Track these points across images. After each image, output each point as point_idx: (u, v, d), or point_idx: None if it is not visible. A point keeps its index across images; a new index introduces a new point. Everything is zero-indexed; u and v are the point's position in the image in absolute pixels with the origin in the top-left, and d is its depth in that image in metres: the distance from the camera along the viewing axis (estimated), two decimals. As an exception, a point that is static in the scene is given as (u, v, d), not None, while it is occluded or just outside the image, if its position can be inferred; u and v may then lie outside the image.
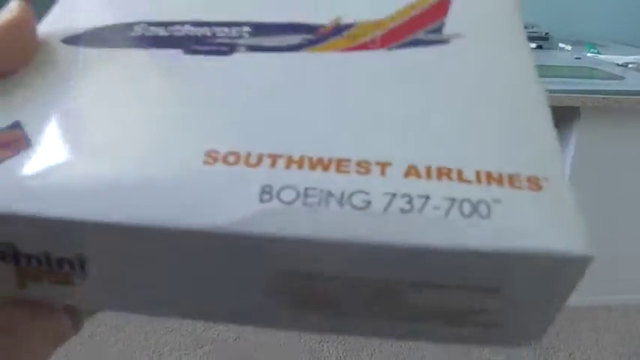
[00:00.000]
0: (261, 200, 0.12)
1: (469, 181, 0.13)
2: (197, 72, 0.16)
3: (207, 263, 0.13)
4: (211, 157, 0.13)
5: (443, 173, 0.13)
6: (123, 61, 0.16)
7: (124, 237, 0.13)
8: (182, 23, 0.17)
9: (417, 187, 0.12)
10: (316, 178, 0.13)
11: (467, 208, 0.12)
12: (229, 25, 0.17)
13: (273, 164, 0.13)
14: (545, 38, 1.30)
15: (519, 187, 0.13)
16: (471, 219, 0.12)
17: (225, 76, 0.16)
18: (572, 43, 1.28)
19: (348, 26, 0.17)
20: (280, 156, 0.13)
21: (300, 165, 0.13)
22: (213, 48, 0.16)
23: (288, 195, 0.12)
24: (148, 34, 0.17)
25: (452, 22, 0.17)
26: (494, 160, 0.13)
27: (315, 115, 0.15)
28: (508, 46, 0.17)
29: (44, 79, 0.16)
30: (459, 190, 0.12)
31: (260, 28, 0.17)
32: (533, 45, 1.25)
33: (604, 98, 0.91)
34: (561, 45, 1.28)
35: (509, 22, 0.18)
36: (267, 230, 0.12)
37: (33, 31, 0.16)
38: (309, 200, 0.12)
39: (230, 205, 0.12)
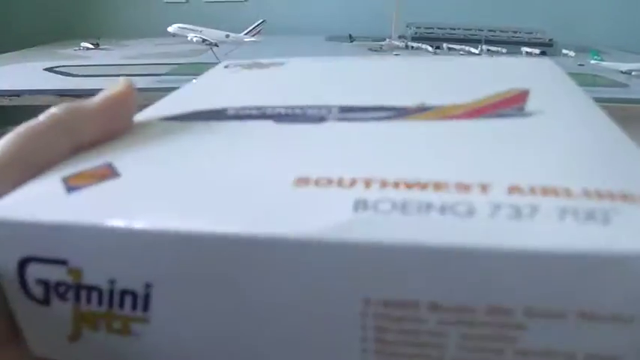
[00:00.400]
0: (356, 210, 0.11)
1: (578, 196, 0.11)
2: (288, 132, 0.16)
3: (294, 294, 0.11)
4: (302, 181, 0.13)
5: (549, 190, 0.12)
6: (216, 127, 0.17)
7: (205, 253, 0.12)
8: (273, 107, 0.19)
9: (522, 199, 0.11)
10: (414, 194, 0.12)
11: (582, 215, 0.11)
12: (319, 107, 0.18)
13: (367, 185, 0.12)
14: (549, 44, 1.30)
15: (635, 202, 0.11)
16: (588, 224, 0.10)
17: (316, 133, 0.16)
18: (576, 50, 1.27)
19: (432, 107, 0.18)
20: (374, 179, 0.12)
21: (396, 186, 0.12)
22: (304, 117, 0.17)
23: (384, 206, 0.11)
24: (241, 112, 0.18)
25: (530, 106, 0.17)
26: (600, 179, 0.12)
27: (407, 152, 0.14)
28: (588, 112, 0.18)
29: (139, 139, 0.17)
30: (569, 202, 0.11)
31: (348, 108, 0.18)
32: (537, 51, 1.24)
33: (607, 106, 0.90)
34: (565, 51, 1.28)
35: (582, 99, 0.19)
36: (363, 237, 0.11)
37: (134, 105, 0.18)
38: (408, 210, 0.11)
39: (322, 216, 0.11)
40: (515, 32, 1.33)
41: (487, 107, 0.17)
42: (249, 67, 0.26)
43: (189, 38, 1.28)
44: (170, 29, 1.30)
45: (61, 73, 1.08)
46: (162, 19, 1.43)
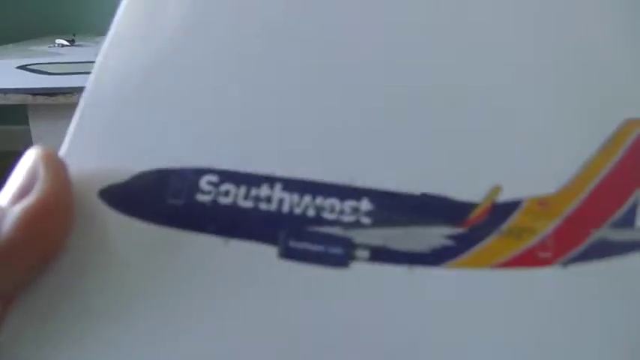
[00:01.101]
0: None
1: None
2: (297, 296, 0.11)
3: None
4: None
5: None
6: (193, 260, 0.11)
7: None
8: (271, 180, 0.12)
9: None
10: None
11: None
12: (340, 194, 0.12)
13: None
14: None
15: None
16: None
17: (335, 295, 0.11)
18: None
19: (509, 209, 0.11)
20: None
21: None
22: (321, 250, 0.11)
23: None
24: (222, 200, 0.12)
25: None
26: None
27: None
28: None
29: (86, 297, 0.11)
30: None
31: (385, 206, 0.12)
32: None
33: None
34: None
35: None
36: None
37: (70, 206, 0.11)
38: None
39: None
40: None
41: (584, 211, 0.11)
42: None
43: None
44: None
45: (35, 71, 1.05)
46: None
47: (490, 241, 0.11)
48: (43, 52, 1.28)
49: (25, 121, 0.95)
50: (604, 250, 0.11)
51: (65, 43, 1.38)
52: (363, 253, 0.11)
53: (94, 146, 0.13)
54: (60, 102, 0.86)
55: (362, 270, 0.11)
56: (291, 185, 0.12)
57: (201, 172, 0.12)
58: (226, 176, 0.12)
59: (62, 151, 0.13)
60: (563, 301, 0.10)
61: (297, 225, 0.12)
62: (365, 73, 0.12)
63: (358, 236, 0.11)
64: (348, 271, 0.11)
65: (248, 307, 0.11)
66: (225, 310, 0.11)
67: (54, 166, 0.11)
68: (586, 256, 0.11)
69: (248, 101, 0.13)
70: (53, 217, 0.11)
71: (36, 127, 0.91)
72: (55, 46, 1.37)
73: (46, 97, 0.87)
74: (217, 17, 0.13)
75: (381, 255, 0.11)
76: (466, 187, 0.12)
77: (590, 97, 0.12)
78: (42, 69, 1.07)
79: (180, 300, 0.11)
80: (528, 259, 0.11)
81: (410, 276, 0.11)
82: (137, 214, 0.12)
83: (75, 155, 0.12)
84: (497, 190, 0.11)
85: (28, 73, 1.04)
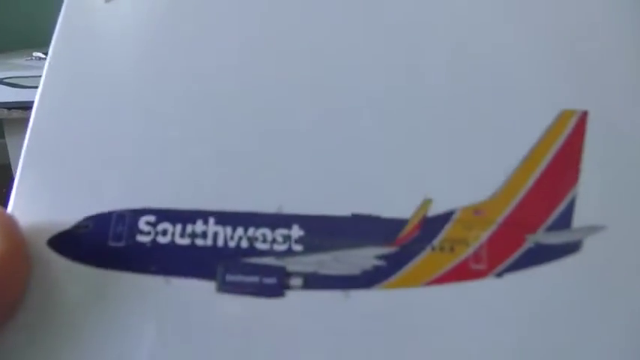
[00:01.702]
0: None
1: None
2: (237, 329, 0.11)
3: None
4: None
5: None
6: (137, 301, 0.12)
7: None
8: (204, 215, 0.12)
9: None
10: None
11: None
12: (271, 223, 0.12)
13: None
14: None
15: None
16: None
17: (271, 323, 0.11)
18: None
19: (441, 222, 0.11)
20: None
21: None
22: (256, 281, 0.11)
23: None
24: (160, 239, 0.12)
25: (586, 188, 0.10)
26: None
27: None
28: None
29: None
30: None
31: (316, 231, 0.12)
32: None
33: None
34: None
35: None
36: None
37: (26, 260, 0.12)
38: None
39: None
40: None
41: (517, 218, 0.11)
42: None
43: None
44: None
45: (11, 85, 1.04)
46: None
47: (422, 257, 0.11)
48: (20, 66, 1.27)
49: (0, 135, 0.94)
50: (540, 255, 0.10)
51: (42, 56, 1.37)
52: (297, 281, 0.11)
53: (39, 197, 0.13)
54: (37, 116, 0.85)
55: (297, 298, 0.11)
56: (224, 218, 0.12)
57: (140, 213, 0.12)
58: (163, 215, 0.12)
59: (10, 207, 0.13)
60: (500, 312, 0.10)
61: (232, 258, 0.12)
62: (282, 101, 0.13)
63: (291, 264, 0.12)
64: (283, 301, 0.11)
65: (191, 344, 0.11)
66: (170, 348, 0.11)
67: (4, 223, 0.12)
68: (521, 263, 0.11)
69: (177, 139, 0.13)
70: (9, 274, 0.12)
71: (12, 141, 0.90)
72: (32, 59, 1.36)
73: (21, 110, 0.86)
74: (139, 64, 0.14)
75: (315, 281, 0.11)
76: (397, 203, 0.11)
77: (523, 92, 0.12)
78: (19, 82, 1.06)
79: (128, 340, 0.11)
80: (462, 273, 0.11)
81: (345, 300, 0.11)
82: (83, 259, 0.12)
83: (22, 208, 0.13)
84: (427, 203, 0.11)
85: (4, 86, 1.03)
